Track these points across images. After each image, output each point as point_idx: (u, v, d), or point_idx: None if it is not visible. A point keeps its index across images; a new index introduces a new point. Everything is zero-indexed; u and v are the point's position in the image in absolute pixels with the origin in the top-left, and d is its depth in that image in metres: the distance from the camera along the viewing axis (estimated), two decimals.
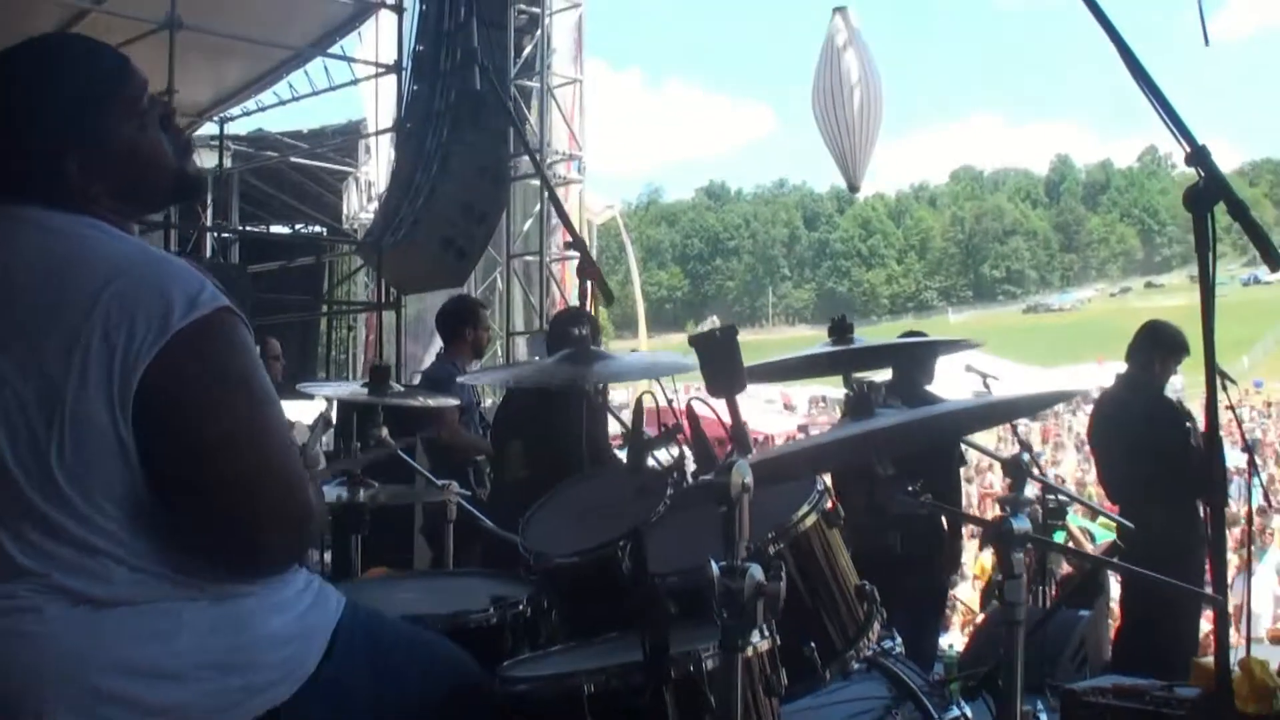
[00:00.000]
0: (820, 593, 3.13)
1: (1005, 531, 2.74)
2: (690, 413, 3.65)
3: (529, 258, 15.78)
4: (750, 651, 2.66)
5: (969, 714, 3.65)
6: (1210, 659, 6.24)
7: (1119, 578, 8.34)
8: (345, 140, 19.98)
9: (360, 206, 20.95)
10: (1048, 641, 7.28)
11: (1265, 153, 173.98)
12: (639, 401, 3.72)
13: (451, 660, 2.84)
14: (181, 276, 2.34)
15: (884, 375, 6.64)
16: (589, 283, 4.59)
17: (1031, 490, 3.71)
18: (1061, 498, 7.08)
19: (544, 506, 3.86)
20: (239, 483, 2.32)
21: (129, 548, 2.29)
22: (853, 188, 17.47)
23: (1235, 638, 11.52)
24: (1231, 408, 8.33)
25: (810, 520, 3.13)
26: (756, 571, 2.17)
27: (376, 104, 16.26)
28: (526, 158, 15.17)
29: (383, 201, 15.70)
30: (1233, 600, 11.30)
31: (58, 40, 2.61)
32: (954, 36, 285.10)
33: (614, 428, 5.39)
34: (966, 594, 14.04)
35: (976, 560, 14.43)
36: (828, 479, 3.39)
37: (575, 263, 13.59)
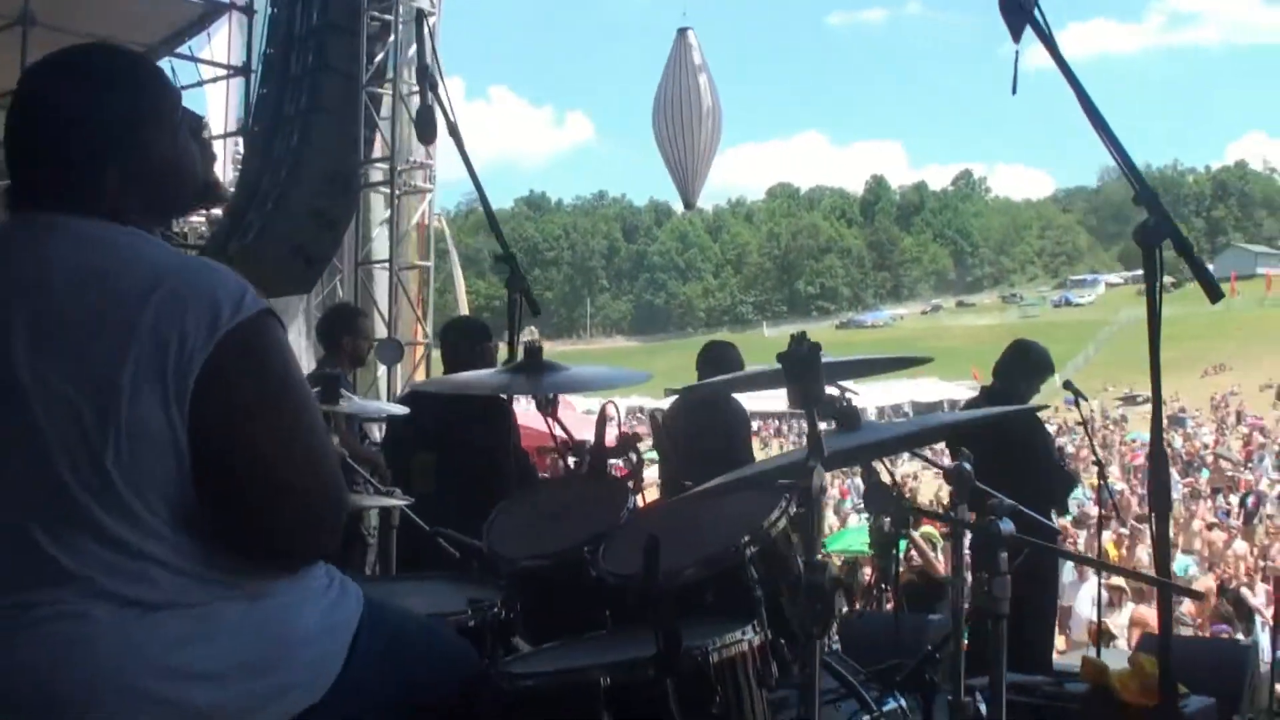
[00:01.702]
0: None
1: (993, 534, 2.96)
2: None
3: (377, 267, 15.71)
4: (746, 646, 2.86)
5: (904, 706, 3.85)
6: (1096, 655, 6.58)
7: None
8: None
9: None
10: (901, 645, 7.56)
11: (1079, 180, 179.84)
12: (602, 411, 3.89)
13: (460, 649, 2.96)
14: (224, 281, 2.41)
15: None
16: (518, 295, 4.73)
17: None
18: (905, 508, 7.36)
19: (504, 511, 3.99)
20: (286, 479, 2.40)
21: (175, 549, 2.35)
22: (688, 204, 17.79)
23: (1061, 640, 12.07)
24: (1084, 423, 8.77)
25: (781, 525, 3.32)
26: (833, 567, 2.34)
27: (226, 107, 16.07)
28: (376, 165, 15.18)
29: (227, 206, 15.50)
30: (1062, 604, 11.82)
31: (99, 52, 2.63)
32: (781, 53, 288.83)
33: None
34: None
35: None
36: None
37: (417, 272, 13.65)
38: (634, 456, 3.89)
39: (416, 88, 13.46)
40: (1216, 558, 15.98)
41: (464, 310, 24.43)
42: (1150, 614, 12.98)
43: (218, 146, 18.49)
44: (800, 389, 2.39)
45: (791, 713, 3.26)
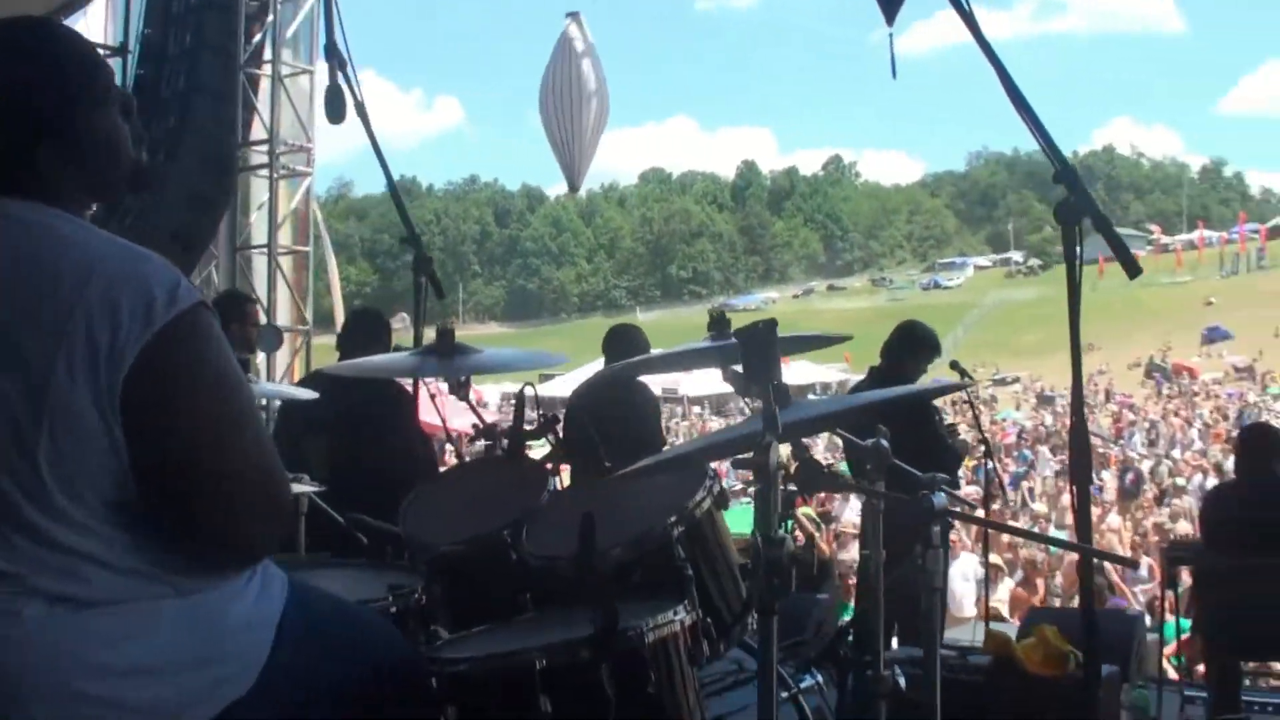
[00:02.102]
0: (714, 572, 3.34)
1: (926, 508, 3.01)
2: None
3: (255, 252, 15.47)
4: (678, 626, 2.86)
5: (821, 681, 3.90)
6: (1002, 627, 6.70)
7: None
8: None
9: None
10: (788, 623, 7.67)
11: (947, 165, 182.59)
12: (520, 394, 3.87)
13: (387, 635, 2.93)
14: (159, 271, 2.37)
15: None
16: (423, 278, 4.71)
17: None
18: (790, 488, 7.46)
19: (421, 497, 3.96)
20: (224, 473, 2.37)
21: (107, 545, 2.31)
22: (573, 188, 17.75)
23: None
24: (969, 401, 8.92)
25: (705, 505, 3.34)
26: (790, 541, 2.35)
27: None
28: (254, 148, 14.95)
29: None
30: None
31: (30, 26, 2.56)
32: (651, 37, 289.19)
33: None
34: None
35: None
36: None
37: (295, 257, 13.45)
38: (554, 439, 3.88)
39: (295, 68, 13.33)
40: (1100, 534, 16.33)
41: (336, 296, 24.22)
42: (1024, 594, 13.33)
43: None
44: (756, 366, 2.41)
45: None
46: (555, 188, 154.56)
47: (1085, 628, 3.09)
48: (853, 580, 12.75)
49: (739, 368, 2.77)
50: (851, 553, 12.28)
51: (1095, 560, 11.41)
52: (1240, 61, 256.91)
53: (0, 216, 2.38)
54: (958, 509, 3.30)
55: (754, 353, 2.42)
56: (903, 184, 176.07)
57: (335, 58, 4.07)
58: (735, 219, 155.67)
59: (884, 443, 3.41)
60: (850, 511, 17.44)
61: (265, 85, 14.95)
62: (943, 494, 3.02)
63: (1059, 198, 2.99)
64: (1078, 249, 3.06)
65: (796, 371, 49.99)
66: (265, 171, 14.98)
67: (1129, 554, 15.08)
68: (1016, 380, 65.01)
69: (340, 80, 4.09)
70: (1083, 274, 2.99)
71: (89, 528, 2.29)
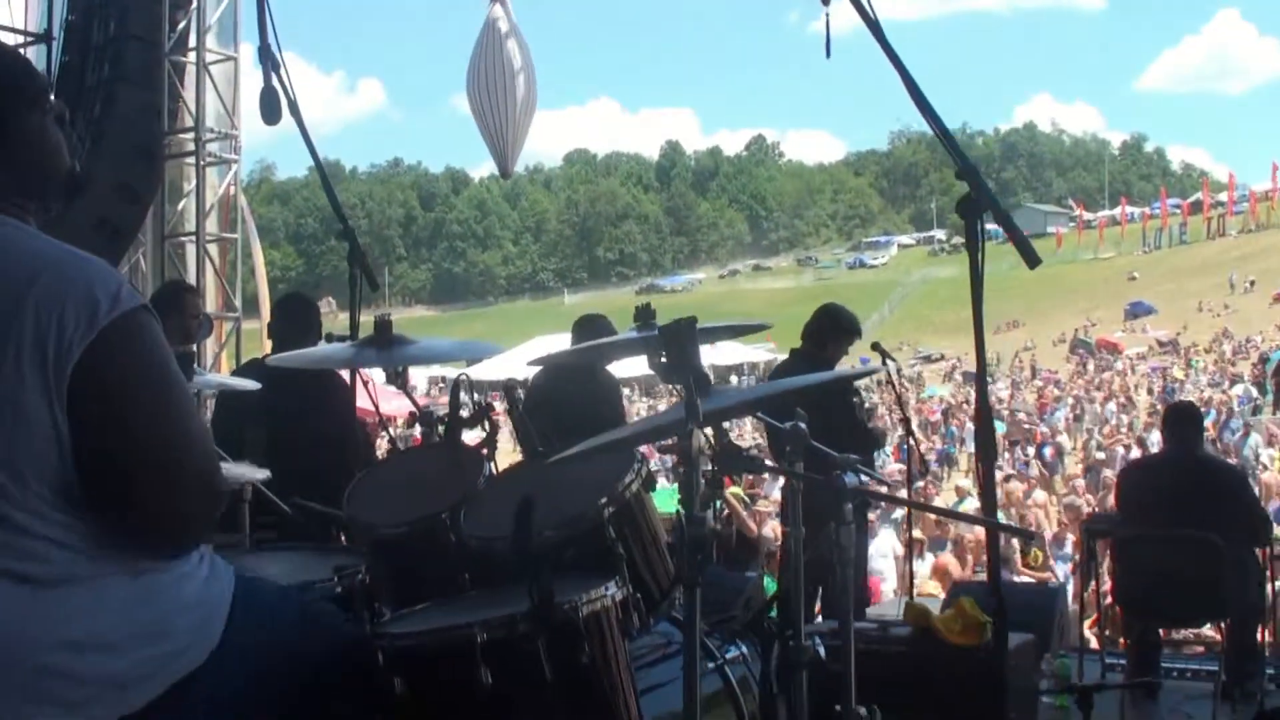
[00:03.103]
0: (643, 550, 3.53)
1: (839, 488, 3.21)
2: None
3: (183, 239, 15.47)
4: (610, 601, 3.05)
5: (745, 652, 4.09)
6: (921, 600, 6.92)
7: None
8: None
9: None
10: (718, 601, 7.87)
11: (870, 144, 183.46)
12: (456, 383, 4.04)
13: (330, 616, 3.09)
14: (101, 274, 2.51)
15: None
16: (357, 269, 4.85)
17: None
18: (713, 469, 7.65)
19: (362, 482, 4.11)
20: (163, 462, 2.50)
21: (62, 528, 2.43)
22: (504, 173, 17.71)
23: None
24: (891, 382, 9.15)
25: (635, 487, 3.52)
26: (710, 518, 2.53)
27: None
28: (179, 135, 14.95)
29: None
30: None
31: None
32: (572, 19, 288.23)
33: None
34: None
35: None
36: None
37: (221, 244, 13.43)
38: (488, 426, 4.04)
39: (219, 55, 13.31)
40: (1016, 507, 16.63)
41: (261, 282, 24.11)
42: (951, 561, 13.59)
43: None
44: (677, 359, 2.58)
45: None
46: (479, 170, 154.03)
47: (992, 597, 3.29)
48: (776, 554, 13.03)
49: (664, 357, 2.95)
50: (770, 528, 12.50)
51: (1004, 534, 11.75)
52: (1159, 38, 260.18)
53: None
54: (871, 488, 3.48)
55: (674, 347, 2.60)
56: (826, 163, 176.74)
57: (269, 60, 4.18)
58: (660, 200, 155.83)
59: (802, 426, 3.59)
60: (775, 489, 17.73)
61: (190, 72, 14.93)
62: (854, 474, 3.22)
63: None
64: (979, 240, 3.23)
65: (724, 352, 50.31)
66: (192, 159, 14.97)
67: (1055, 529, 15.40)
68: (942, 357, 65.65)
69: (274, 82, 4.21)
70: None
71: (41, 512, 2.41)
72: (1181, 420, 8.81)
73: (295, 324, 6.89)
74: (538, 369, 8.27)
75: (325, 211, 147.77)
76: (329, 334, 6.86)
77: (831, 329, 8.45)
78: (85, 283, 2.46)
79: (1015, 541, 13.45)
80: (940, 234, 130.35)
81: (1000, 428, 32.65)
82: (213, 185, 15.46)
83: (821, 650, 3.73)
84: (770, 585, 10.52)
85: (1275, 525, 10.34)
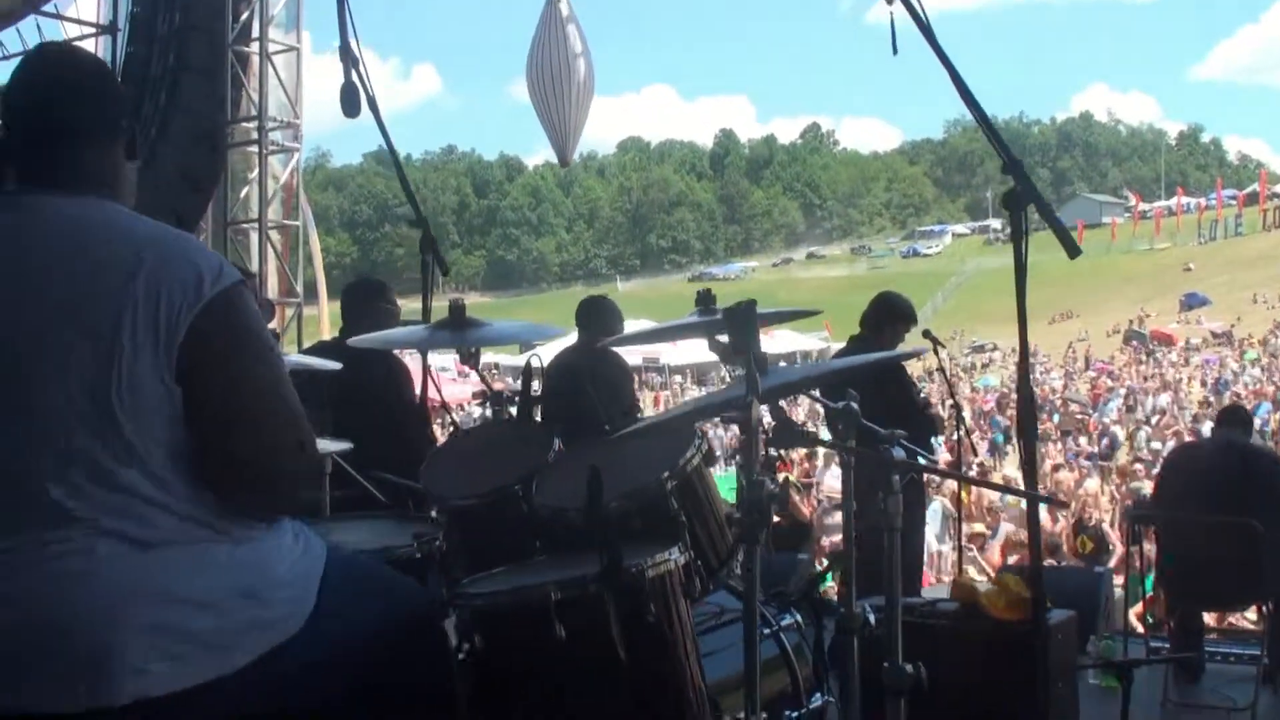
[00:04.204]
0: (703, 521, 3.75)
1: (886, 460, 3.44)
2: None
3: (246, 226, 15.75)
4: (674, 565, 3.27)
5: (800, 620, 4.31)
6: (966, 578, 7.11)
7: None
8: None
9: None
10: (771, 579, 8.09)
11: (925, 133, 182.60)
12: (528, 363, 4.28)
13: (409, 584, 3.33)
14: (202, 251, 2.78)
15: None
16: (429, 256, 5.09)
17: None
18: (773, 452, 7.85)
19: (438, 455, 4.37)
20: (264, 425, 2.74)
21: (171, 494, 2.65)
22: (563, 161, 17.85)
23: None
24: (942, 369, 9.33)
25: (695, 461, 3.76)
26: (768, 483, 2.75)
27: None
28: (241, 124, 15.21)
29: None
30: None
31: (77, 53, 3.02)
32: (627, 6, 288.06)
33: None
34: None
35: None
36: None
37: (281, 231, 13.61)
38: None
39: (282, 45, 13.55)
40: (1068, 497, 16.73)
41: (319, 267, 24.42)
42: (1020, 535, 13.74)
43: None
44: (739, 339, 2.81)
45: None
46: (533, 158, 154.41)
47: (1032, 570, 3.48)
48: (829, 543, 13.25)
49: (724, 338, 3.18)
50: (835, 518, 12.71)
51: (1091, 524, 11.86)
52: (1215, 28, 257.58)
53: (59, 209, 2.74)
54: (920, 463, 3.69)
55: (736, 327, 2.82)
56: (881, 152, 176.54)
57: (349, 57, 4.41)
58: (714, 188, 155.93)
59: (854, 405, 3.80)
60: (831, 478, 17.92)
61: (253, 62, 15.20)
62: (901, 447, 3.44)
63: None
64: (1024, 233, 3.43)
65: (779, 340, 50.35)
66: (254, 148, 15.24)
67: (1106, 519, 15.50)
68: (995, 348, 65.48)
69: (354, 78, 4.44)
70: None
71: (153, 476, 2.62)
72: (1231, 418, 9.03)
73: (366, 306, 7.15)
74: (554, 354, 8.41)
75: (379, 199, 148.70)
76: (405, 320, 7.15)
77: (888, 315, 8.61)
78: (190, 260, 2.69)
79: (1062, 527, 13.61)
80: (995, 223, 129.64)
81: (1055, 418, 32.71)
82: (274, 173, 15.71)
83: (871, 616, 3.95)
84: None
85: None
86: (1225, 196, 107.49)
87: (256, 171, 15.40)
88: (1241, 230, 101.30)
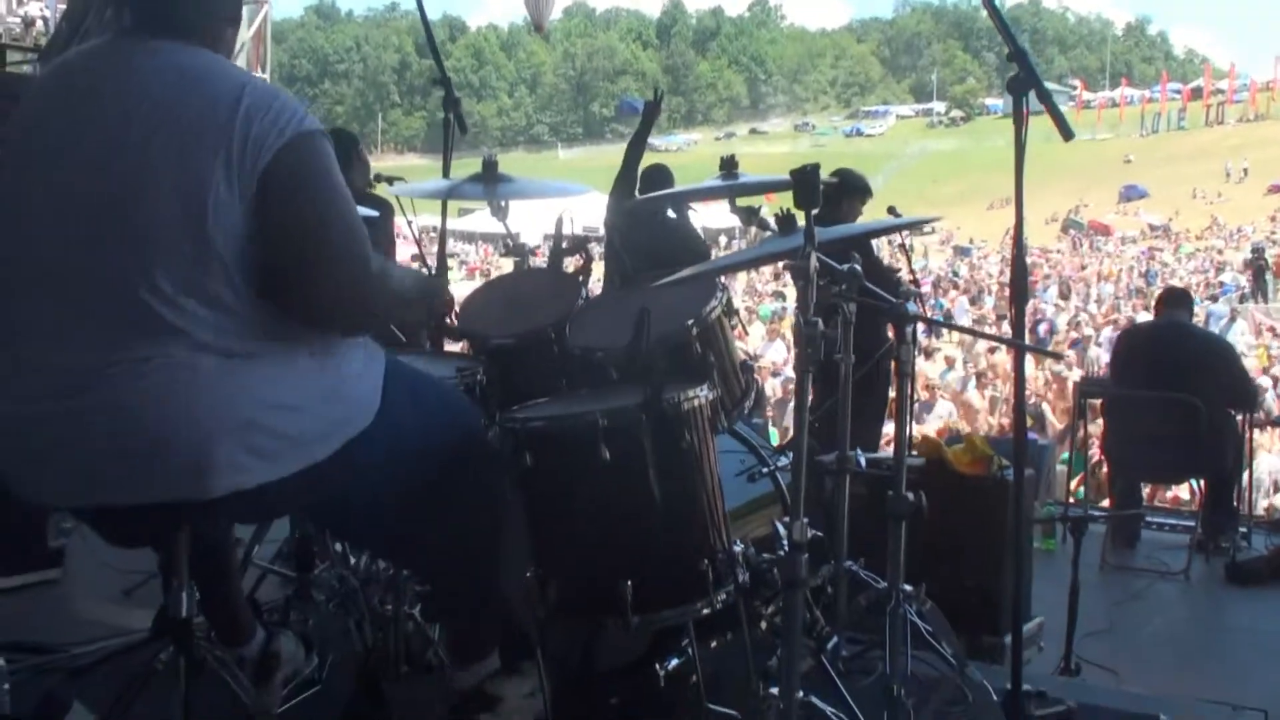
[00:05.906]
0: (721, 365, 4.16)
1: (902, 313, 3.87)
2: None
3: None
4: (704, 400, 3.67)
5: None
6: (932, 434, 7.56)
7: None
8: None
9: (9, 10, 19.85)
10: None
11: (873, 11, 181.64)
12: (559, 219, 4.65)
13: (463, 400, 3.77)
14: (288, 98, 3.08)
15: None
16: (450, 114, 5.44)
17: None
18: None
19: (474, 298, 4.75)
20: (337, 248, 3.03)
21: (257, 309, 2.95)
22: (538, 27, 17.95)
23: None
24: (903, 245, 9.73)
25: (717, 312, 4.18)
26: (821, 323, 3.15)
27: None
28: None
29: (66, 8, 15.32)
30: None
31: None
32: None
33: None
34: None
35: None
36: None
37: None
38: (585, 255, 4.68)
39: None
40: (1003, 379, 17.22)
41: None
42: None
43: None
44: (805, 199, 3.17)
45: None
46: (476, 18, 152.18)
47: (1015, 423, 3.91)
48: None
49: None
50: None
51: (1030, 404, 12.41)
52: None
53: (164, 56, 3.01)
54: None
55: (802, 187, 3.18)
56: (829, 28, 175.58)
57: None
58: (659, 58, 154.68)
59: (857, 266, 4.18)
60: (774, 352, 18.56)
61: None
62: (913, 304, 3.89)
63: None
64: (1024, 117, 3.83)
65: (716, 214, 50.54)
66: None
67: (1036, 400, 16.02)
68: (933, 230, 65.91)
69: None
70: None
71: (244, 294, 2.93)
72: (1174, 300, 9.52)
73: (344, 157, 7.46)
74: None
75: (320, 54, 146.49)
76: (378, 174, 7.44)
77: (847, 190, 8.88)
78: (279, 104, 2.98)
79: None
80: (939, 106, 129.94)
81: (989, 302, 33.28)
82: (242, 24, 15.72)
83: (862, 461, 4.38)
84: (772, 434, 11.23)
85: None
86: (1169, 90, 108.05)
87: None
88: (1184, 125, 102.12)
